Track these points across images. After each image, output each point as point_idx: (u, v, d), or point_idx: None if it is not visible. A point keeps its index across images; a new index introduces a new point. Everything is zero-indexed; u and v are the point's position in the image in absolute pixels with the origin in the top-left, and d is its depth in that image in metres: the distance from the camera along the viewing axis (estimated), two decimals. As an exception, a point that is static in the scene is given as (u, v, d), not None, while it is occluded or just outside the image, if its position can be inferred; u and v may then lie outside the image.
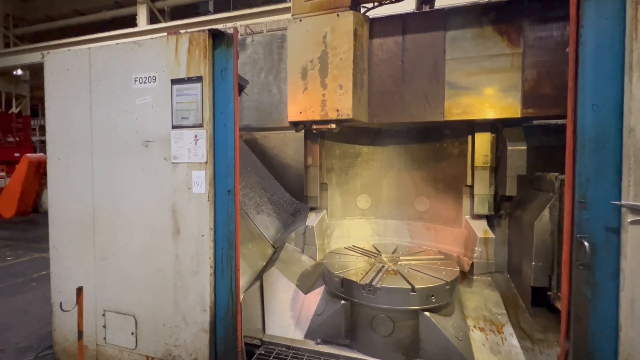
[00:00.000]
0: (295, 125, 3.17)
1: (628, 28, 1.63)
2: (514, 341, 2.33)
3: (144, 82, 2.45)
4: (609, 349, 1.70)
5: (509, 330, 2.41)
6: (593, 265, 1.72)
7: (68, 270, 2.72)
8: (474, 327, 2.46)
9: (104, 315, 2.62)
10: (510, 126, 3.00)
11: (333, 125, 2.93)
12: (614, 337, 1.68)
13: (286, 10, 8.36)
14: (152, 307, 2.49)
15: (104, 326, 2.62)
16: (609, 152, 1.69)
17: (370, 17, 3.10)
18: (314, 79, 2.91)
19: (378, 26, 3.06)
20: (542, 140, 3.10)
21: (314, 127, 3.03)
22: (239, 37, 3.74)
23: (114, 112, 2.53)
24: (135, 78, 2.46)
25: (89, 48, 2.62)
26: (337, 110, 2.84)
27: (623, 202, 1.64)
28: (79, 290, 2.18)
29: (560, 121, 3.04)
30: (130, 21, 11.08)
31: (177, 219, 2.40)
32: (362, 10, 3.09)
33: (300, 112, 2.96)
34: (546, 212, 2.48)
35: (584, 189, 1.73)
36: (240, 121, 3.53)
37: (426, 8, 3.59)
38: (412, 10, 3.51)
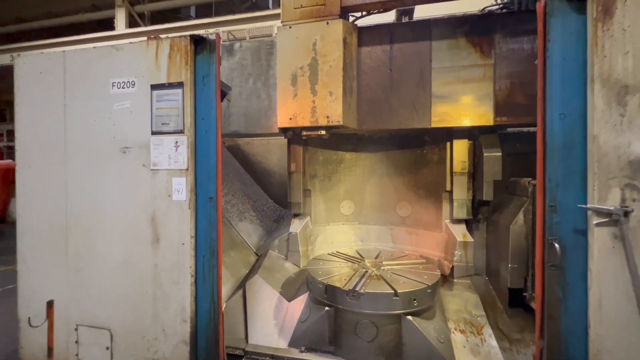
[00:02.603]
0: (285, 131, 3.18)
1: (590, 43, 1.75)
2: (493, 342, 2.40)
3: (123, 87, 2.39)
4: (580, 346, 1.78)
5: (488, 331, 2.48)
6: (564, 266, 1.81)
7: (38, 283, 2.58)
8: (455, 329, 2.51)
9: (76, 330, 2.50)
10: (486, 133, 3.13)
11: (323, 132, 2.96)
12: (584, 334, 1.76)
13: (269, 17, 8.39)
14: (129, 320, 2.40)
15: (77, 341, 2.49)
16: (576, 159, 1.80)
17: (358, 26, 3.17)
18: (304, 85, 2.93)
19: (366, 35, 3.14)
20: (516, 147, 3.25)
21: (304, 133, 3.04)
22: (227, 43, 3.73)
23: (91, 118, 2.46)
24: (113, 83, 2.41)
25: (64, 51, 2.54)
26: (328, 117, 2.87)
27: (589, 205, 1.74)
28: (50, 304, 2.07)
29: (532, 129, 3.20)
30: (108, 24, 10.80)
31: (156, 227, 2.33)
32: (351, 19, 3.16)
33: (290, 119, 2.97)
34: (521, 216, 2.58)
35: (554, 194, 1.83)
36: (228, 127, 3.50)
37: (405, 19, 3.72)
38: (392, 21, 3.62)
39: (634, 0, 1.67)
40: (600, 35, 1.72)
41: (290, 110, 2.96)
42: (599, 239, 1.72)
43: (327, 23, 2.86)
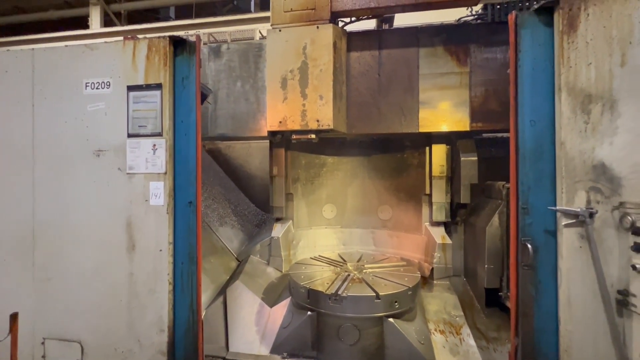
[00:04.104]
0: (274, 134, 3.15)
1: (556, 54, 1.86)
2: (471, 341, 2.46)
3: (97, 88, 2.30)
4: (551, 342, 1.86)
5: (466, 331, 2.54)
6: (536, 266, 1.89)
7: (0, 295, 2.42)
8: (435, 330, 2.56)
9: (43, 343, 2.35)
10: (463, 139, 3.24)
11: (313, 136, 2.96)
12: (555, 330, 1.84)
13: (252, 20, 8.34)
14: (102, 331, 2.28)
15: (43, 356, 2.34)
16: (545, 163, 1.89)
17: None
18: (294, 89, 2.93)
19: (355, 40, 3.18)
20: (491, 151, 3.38)
21: (294, 137, 3.03)
22: (214, 44, 3.66)
23: (61, 119, 2.35)
24: (86, 83, 2.31)
25: (33, 49, 2.42)
26: (318, 121, 2.88)
27: (558, 207, 1.83)
28: (14, 317, 1.94)
29: (506, 134, 3.34)
30: (82, 23, 10.37)
31: (132, 233, 2.25)
32: (340, 24, 3.20)
33: (280, 122, 2.95)
34: (496, 218, 2.68)
35: (526, 196, 1.91)
36: (215, 130, 3.43)
37: (386, 26, 3.80)
38: (372, 28, 3.70)
39: (595, 16, 1.79)
40: (566, 47, 1.83)
41: (280, 113, 2.95)
42: (568, 239, 1.81)
43: (318, 27, 2.88)
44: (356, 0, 2.89)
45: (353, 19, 3.23)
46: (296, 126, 2.93)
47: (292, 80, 2.93)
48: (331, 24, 2.90)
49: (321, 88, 2.87)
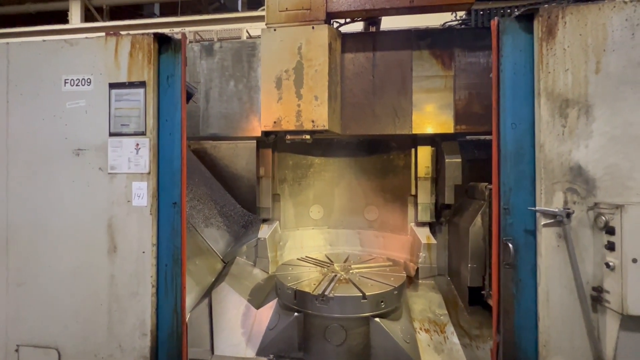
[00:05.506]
0: (268, 135, 3.12)
1: (536, 60, 1.93)
2: (455, 339, 2.51)
3: (77, 85, 2.23)
4: (531, 338, 1.92)
5: (450, 329, 2.59)
6: (517, 264, 1.95)
7: (-29, 300, 2.30)
8: (420, 329, 2.60)
9: (17, 351, 2.25)
10: (447, 140, 3.30)
11: (307, 137, 2.95)
12: (535, 327, 1.91)
13: (239, 19, 8.26)
14: (80, 336, 2.21)
15: (18, 363, 2.25)
16: (526, 165, 1.96)
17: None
18: (289, 89, 2.90)
19: (349, 42, 3.18)
20: (475, 153, 3.47)
21: (288, 137, 3.00)
22: (207, 43, 3.60)
23: (38, 117, 2.26)
24: (65, 80, 2.23)
25: (7, 43, 2.33)
26: (313, 121, 2.86)
27: (537, 208, 1.90)
28: (-15, 323, 1.85)
29: (488, 137, 3.43)
30: (61, 17, 10.01)
31: (113, 234, 2.18)
32: (334, 25, 3.21)
33: (275, 122, 2.92)
34: (479, 218, 2.75)
35: (507, 197, 1.97)
36: (206, 129, 3.36)
37: (373, 29, 3.85)
38: (361, 30, 3.73)
39: (572, 24, 1.87)
40: (545, 53, 1.90)
41: (274, 113, 2.92)
42: (546, 238, 1.87)
43: (313, 28, 2.87)
44: (352, 2, 2.91)
45: (348, 20, 3.25)
46: (291, 127, 2.91)
47: (287, 80, 2.91)
48: (326, 25, 2.90)
49: (316, 89, 2.86)
